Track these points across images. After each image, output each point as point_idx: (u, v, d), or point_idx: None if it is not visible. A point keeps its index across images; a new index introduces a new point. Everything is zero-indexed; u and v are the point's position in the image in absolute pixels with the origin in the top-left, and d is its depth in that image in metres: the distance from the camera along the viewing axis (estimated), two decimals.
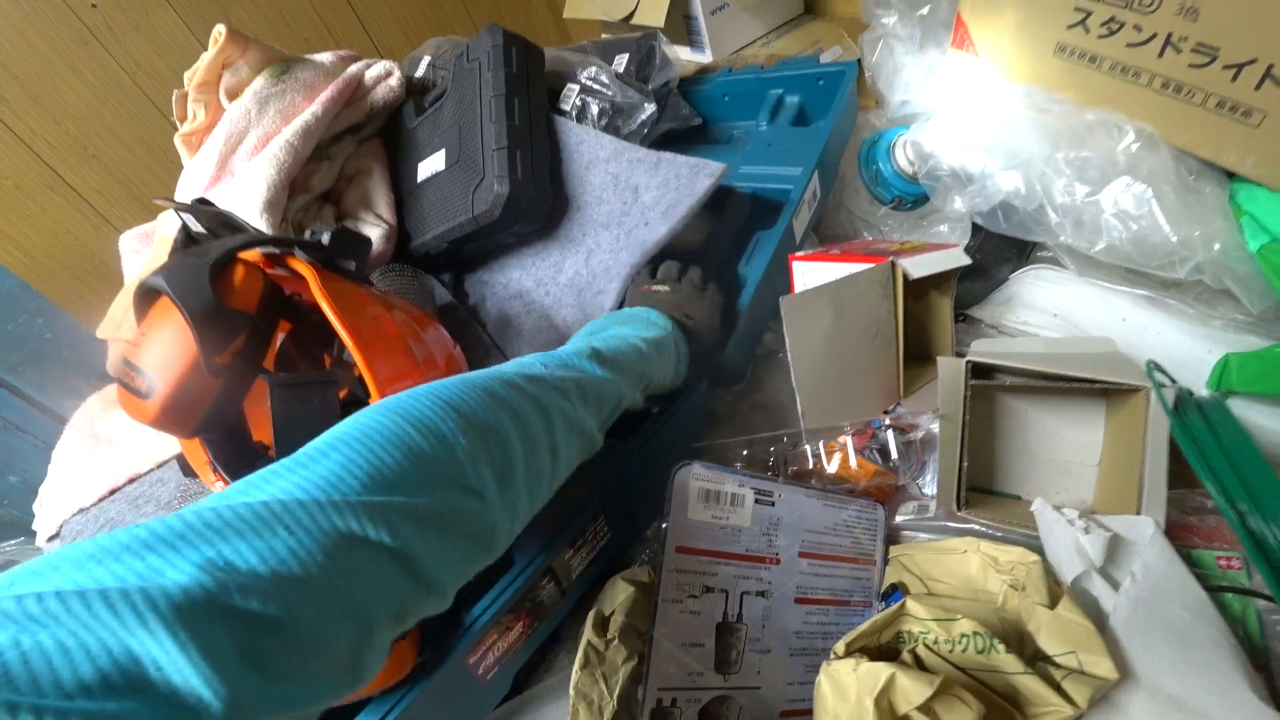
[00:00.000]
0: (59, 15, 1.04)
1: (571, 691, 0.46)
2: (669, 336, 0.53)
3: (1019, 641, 0.44)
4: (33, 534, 0.87)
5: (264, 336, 0.41)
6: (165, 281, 0.38)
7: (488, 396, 0.33)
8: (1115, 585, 0.45)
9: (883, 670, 0.34)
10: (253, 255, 0.43)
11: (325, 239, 0.43)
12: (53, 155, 1.08)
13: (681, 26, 0.92)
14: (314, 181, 0.76)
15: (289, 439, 0.37)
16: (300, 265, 0.41)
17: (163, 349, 0.39)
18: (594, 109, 0.71)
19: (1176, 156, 0.56)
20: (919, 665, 0.41)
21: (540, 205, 0.70)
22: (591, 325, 0.54)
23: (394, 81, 0.81)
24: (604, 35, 1.04)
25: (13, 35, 1.02)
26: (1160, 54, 0.54)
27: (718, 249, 0.68)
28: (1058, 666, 0.41)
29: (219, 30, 0.71)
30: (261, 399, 0.45)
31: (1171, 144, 0.56)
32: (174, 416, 0.39)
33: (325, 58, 0.79)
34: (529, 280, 0.73)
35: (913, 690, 0.33)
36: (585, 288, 0.68)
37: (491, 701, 0.51)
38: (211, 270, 0.38)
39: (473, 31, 0.79)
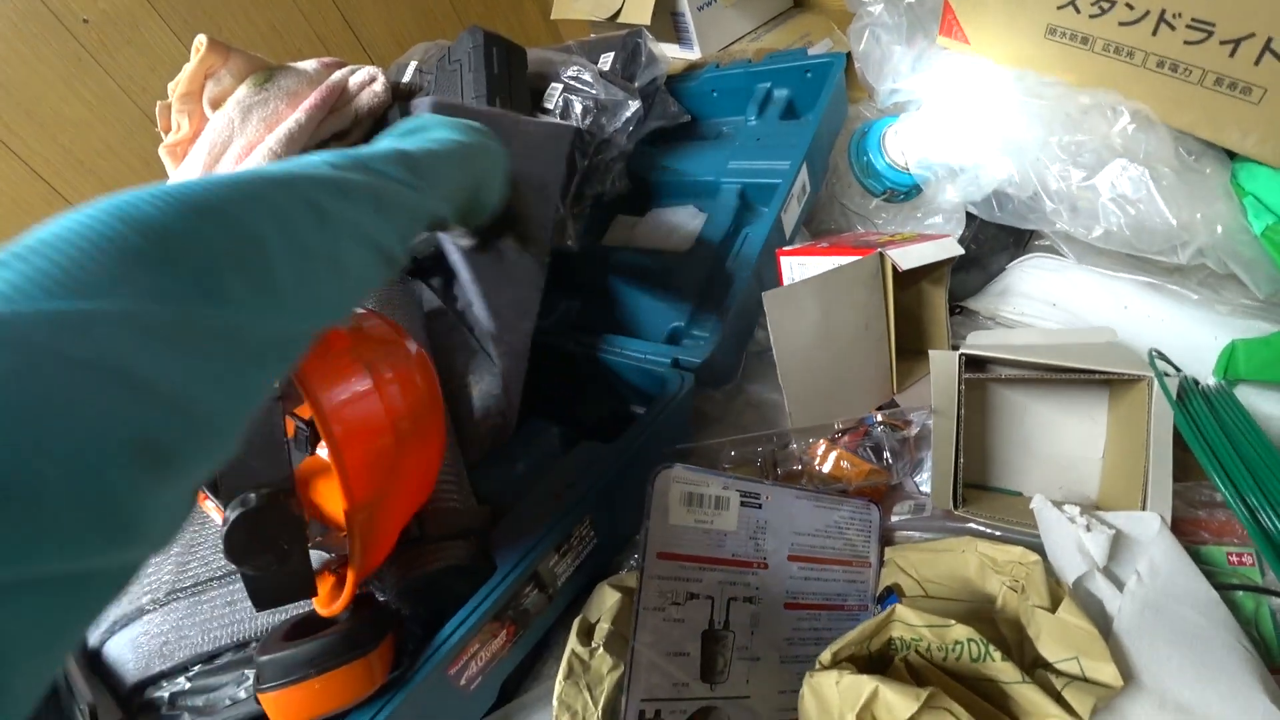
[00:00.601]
0: (52, 32, 1.05)
1: (555, 702, 0.44)
2: (500, 149, 0.49)
3: (1018, 646, 0.42)
4: None
5: None
6: None
7: (241, 195, 0.28)
8: (1120, 585, 0.42)
9: (866, 684, 0.32)
10: None
11: None
12: (49, 171, 1.09)
13: (669, 23, 0.91)
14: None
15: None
16: None
17: None
18: (577, 107, 0.70)
19: (1175, 137, 0.54)
20: (911, 673, 0.39)
21: None
22: (411, 122, 0.48)
23: (378, 87, 0.80)
24: (593, 35, 1.03)
25: (7, 52, 1.02)
26: (1154, 32, 0.52)
27: None
28: (1058, 674, 0.39)
29: (200, 40, 0.71)
30: None
31: (1169, 124, 0.54)
32: None
33: (309, 65, 0.78)
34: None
35: (898, 705, 0.31)
36: None
37: (477, 712, 0.50)
38: None
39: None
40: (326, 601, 0.43)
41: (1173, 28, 0.51)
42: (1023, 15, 0.59)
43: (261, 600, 0.37)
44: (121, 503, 0.21)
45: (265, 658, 0.40)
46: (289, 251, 0.29)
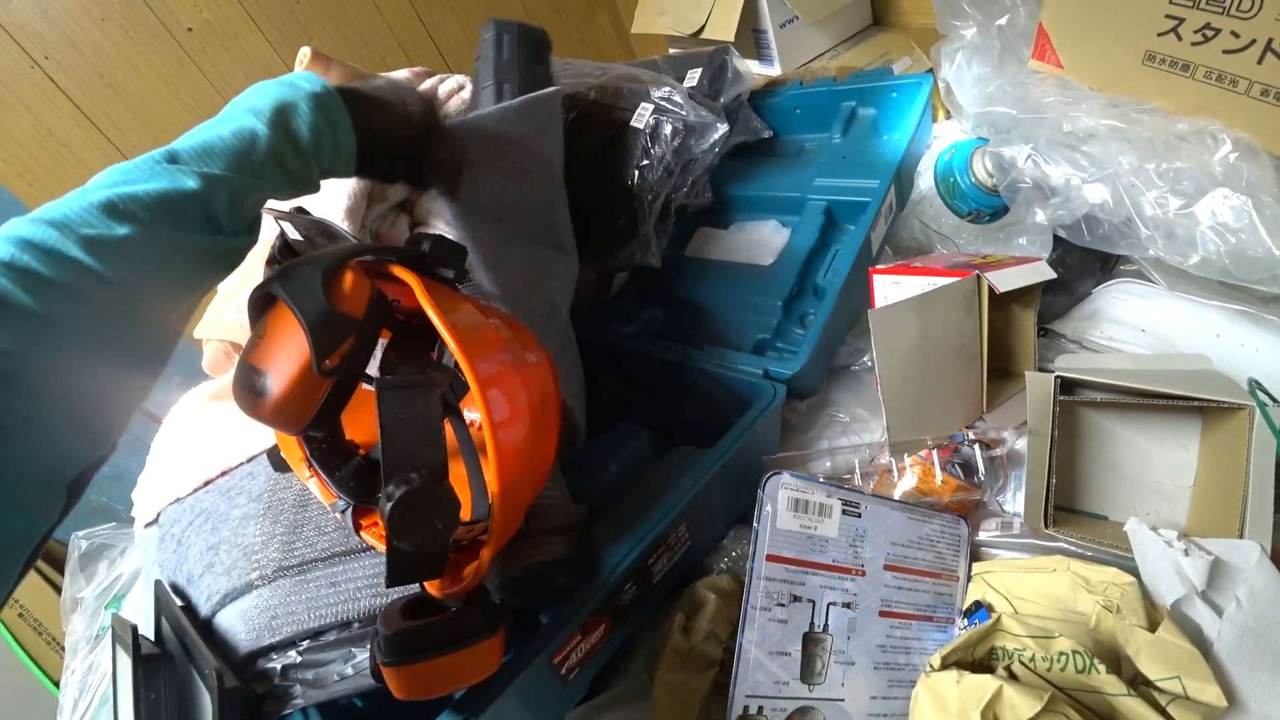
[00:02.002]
0: (159, 39, 1.11)
1: (657, 694, 0.46)
2: (307, 103, 0.43)
3: (1115, 664, 0.43)
4: (121, 519, 0.93)
5: (370, 340, 0.43)
6: (281, 286, 0.40)
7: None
8: (1218, 611, 0.43)
9: (990, 683, 0.34)
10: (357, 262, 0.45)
11: (425, 247, 0.45)
12: None
13: (750, 40, 0.93)
14: (391, 192, 0.79)
15: (396, 439, 0.38)
16: (403, 272, 0.43)
17: (278, 351, 0.41)
18: (667, 128, 0.73)
19: (1277, 166, 0.54)
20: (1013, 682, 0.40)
21: None
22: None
23: (466, 94, 0.84)
24: (671, 50, 1.06)
25: (117, 56, 1.09)
26: (1260, 60, 0.52)
27: None
28: (1160, 691, 0.40)
29: (304, 52, 0.75)
30: (354, 403, 0.47)
31: (1272, 153, 0.54)
32: (286, 414, 0.41)
33: (401, 74, 0.82)
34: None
35: (1021, 704, 0.32)
36: None
37: (570, 702, 0.52)
38: (324, 276, 0.40)
39: None
40: (444, 584, 0.46)
41: (1279, 56, 0.51)
42: (1121, 41, 0.60)
43: (399, 576, 0.40)
44: None
45: (392, 633, 0.42)
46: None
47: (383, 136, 0.48)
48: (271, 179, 0.41)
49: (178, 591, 0.63)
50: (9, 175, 1.07)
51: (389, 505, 0.36)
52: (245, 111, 0.41)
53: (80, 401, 0.33)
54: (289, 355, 0.40)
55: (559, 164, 0.65)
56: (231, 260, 0.41)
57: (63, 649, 1.21)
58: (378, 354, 0.49)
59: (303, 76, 0.45)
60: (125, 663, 0.57)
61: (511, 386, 0.41)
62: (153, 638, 0.63)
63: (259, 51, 1.18)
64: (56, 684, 1.20)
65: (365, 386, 0.47)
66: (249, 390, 0.41)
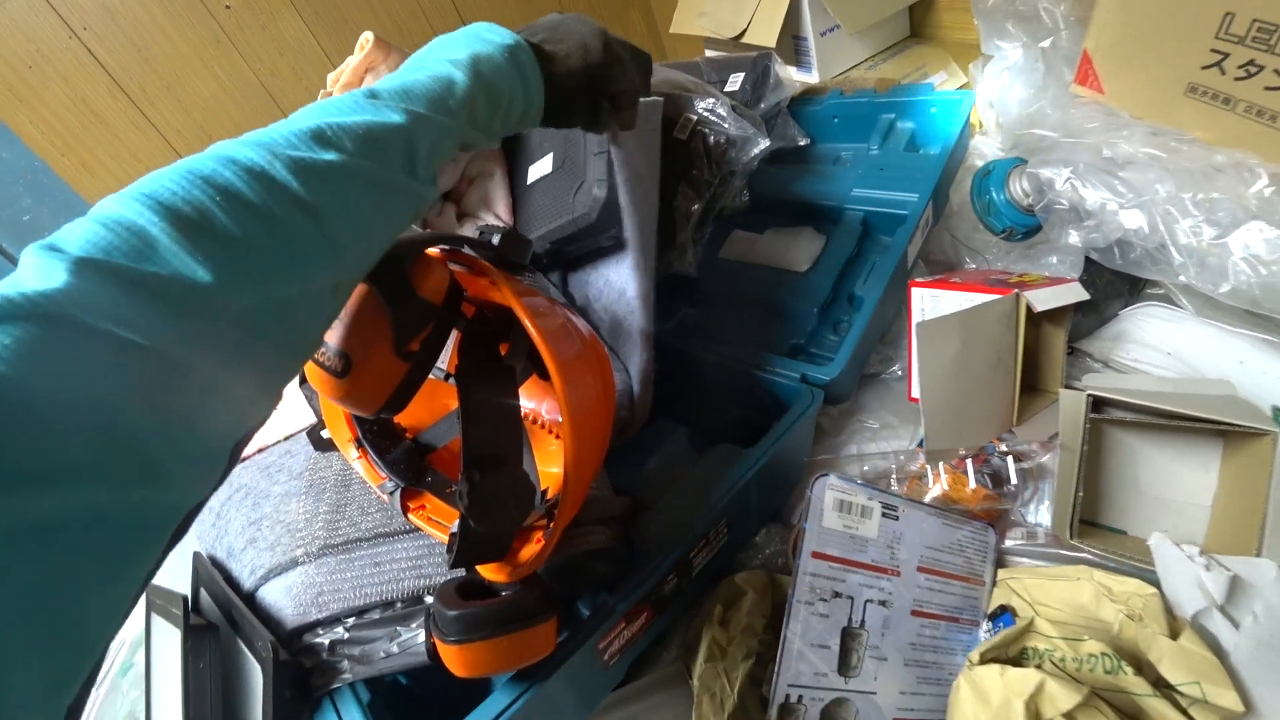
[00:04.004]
0: (197, 15, 1.12)
1: (696, 683, 0.48)
2: (501, 54, 0.42)
3: (1137, 669, 0.46)
4: None
5: (447, 327, 0.45)
6: None
7: (191, 176, 0.29)
8: (1235, 624, 0.45)
9: (1033, 676, 0.36)
10: (433, 251, 0.47)
11: (495, 240, 0.47)
12: (181, 143, 1.16)
13: (789, 46, 0.95)
14: (441, 181, 0.80)
15: (478, 426, 0.40)
16: (483, 262, 0.44)
17: (359, 332, 0.42)
18: (709, 140, 0.74)
19: None
20: None
21: None
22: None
23: None
24: (708, 52, 1.07)
25: (156, 32, 1.09)
26: None
27: None
28: (1181, 695, 0.42)
29: (366, 37, 0.76)
30: None
31: None
32: (364, 395, 0.43)
33: None
34: (625, 278, 0.76)
35: (1062, 697, 0.35)
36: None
37: (609, 686, 0.54)
38: (407, 261, 0.42)
39: None
40: (503, 568, 0.47)
41: None
42: (1165, 72, 0.61)
43: (467, 556, 0.42)
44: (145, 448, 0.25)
45: (454, 613, 0.44)
46: (244, 213, 0.29)
47: (568, 80, 0.46)
48: (464, 126, 0.40)
49: (217, 564, 0.65)
50: (43, 144, 1.08)
51: (470, 489, 0.37)
52: (441, 60, 0.40)
53: (259, 352, 0.29)
54: (371, 338, 0.42)
55: (658, 171, 0.68)
56: (417, 210, 0.39)
57: None
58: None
59: (490, 28, 0.44)
60: (169, 632, 0.59)
61: (583, 377, 0.43)
62: (191, 608, 0.64)
63: (295, 32, 1.19)
64: None
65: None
66: (328, 370, 0.43)
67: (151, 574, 0.27)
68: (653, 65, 0.77)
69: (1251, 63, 0.56)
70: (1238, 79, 0.57)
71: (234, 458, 0.30)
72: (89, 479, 0.23)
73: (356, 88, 0.79)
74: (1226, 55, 0.57)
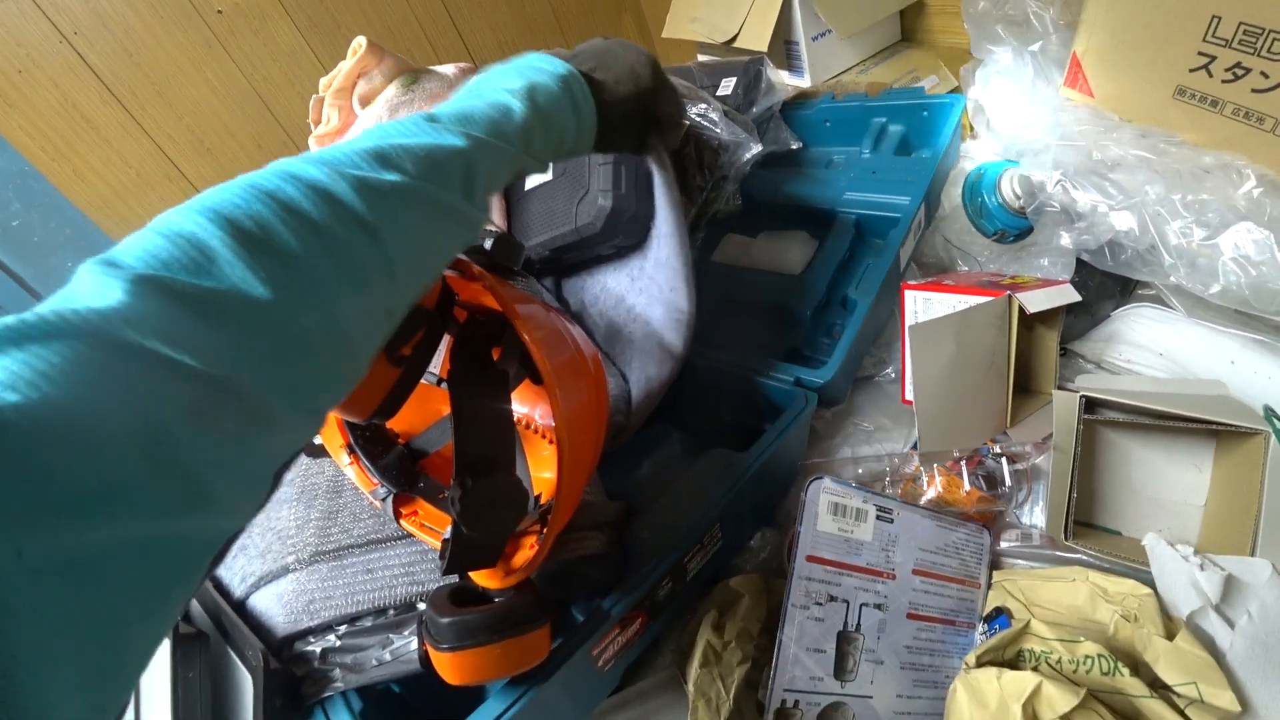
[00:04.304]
0: (188, 19, 1.11)
1: (691, 688, 0.48)
2: (556, 85, 0.43)
3: (1133, 669, 0.46)
4: None
5: (439, 332, 0.44)
6: None
7: (254, 191, 0.29)
8: (1230, 624, 0.45)
9: (1030, 679, 0.36)
10: None
11: (487, 244, 0.47)
12: (173, 148, 1.16)
13: (782, 51, 0.95)
14: None
15: (470, 431, 0.40)
16: (475, 268, 0.44)
17: None
18: (702, 145, 0.74)
19: None
20: None
21: (640, 220, 0.73)
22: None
23: None
24: (700, 56, 1.08)
25: (147, 37, 1.09)
26: None
27: None
28: (1178, 695, 0.42)
29: (359, 41, 0.76)
30: None
31: None
32: (355, 400, 0.43)
33: (448, 69, 0.83)
34: (624, 285, 0.76)
35: (1059, 699, 0.35)
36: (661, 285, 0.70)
37: (604, 692, 0.54)
38: None
39: (564, 46, 0.83)
40: (496, 574, 0.47)
41: None
42: (1153, 75, 0.62)
43: (460, 563, 0.42)
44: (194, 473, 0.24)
45: (446, 620, 0.43)
46: (299, 228, 0.29)
47: (620, 108, 0.47)
48: (520, 153, 0.40)
49: None
50: (33, 149, 1.07)
51: (462, 494, 0.37)
52: (498, 89, 0.41)
53: (311, 373, 0.29)
54: None
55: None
56: (471, 235, 0.38)
57: None
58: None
59: (543, 58, 0.45)
60: None
61: (575, 382, 0.42)
62: (181, 616, 0.64)
63: (287, 37, 1.19)
64: None
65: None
66: None
67: (188, 601, 0.26)
68: None
69: (1238, 65, 0.56)
70: (1225, 81, 0.58)
71: (277, 481, 0.30)
72: (138, 504, 0.22)
73: (349, 92, 0.79)
74: (1214, 58, 0.58)
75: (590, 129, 0.46)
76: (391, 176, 0.32)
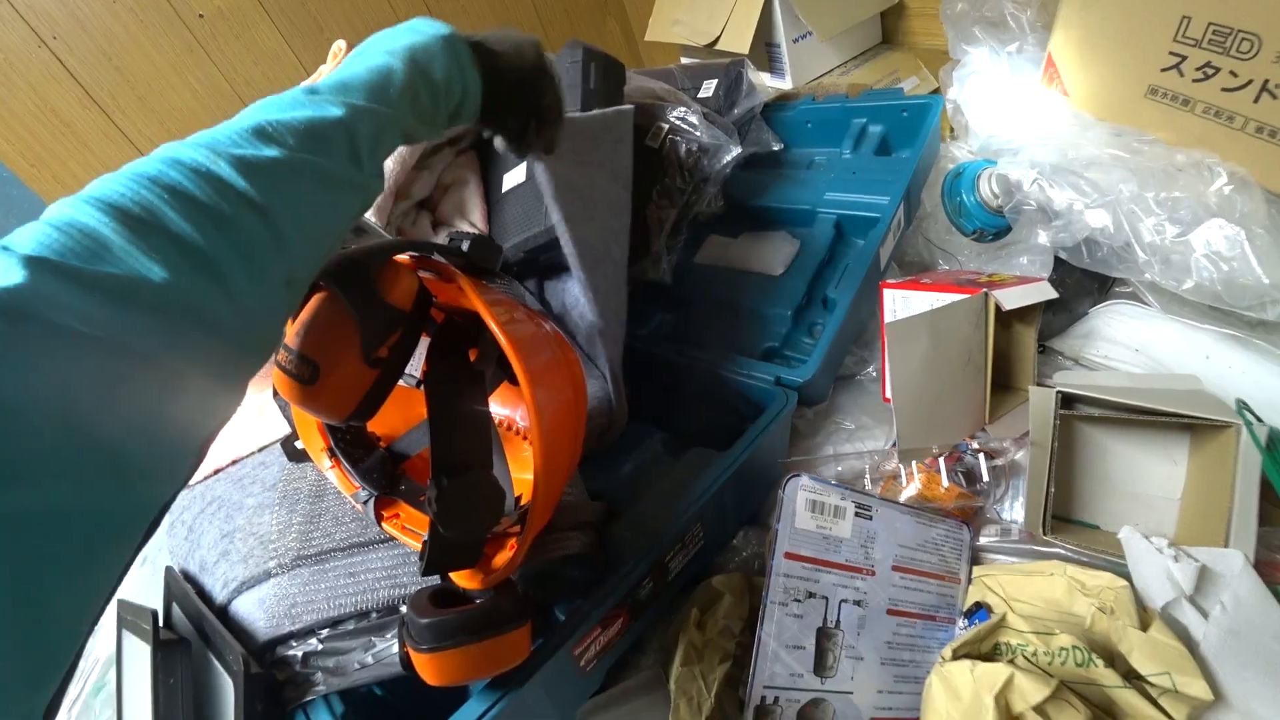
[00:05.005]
0: (170, 23, 1.11)
1: (673, 686, 0.48)
2: (437, 44, 0.43)
3: (1109, 661, 0.46)
4: None
5: (415, 333, 0.44)
6: (331, 277, 0.42)
7: (139, 179, 0.29)
8: (1204, 614, 0.46)
9: (1002, 670, 0.36)
10: (401, 258, 0.46)
11: (465, 246, 0.47)
12: None
13: (763, 53, 0.96)
14: (415, 189, 0.80)
15: (446, 431, 0.40)
16: (451, 269, 0.44)
17: (326, 340, 0.42)
18: (681, 149, 0.75)
19: (1269, 199, 0.57)
20: None
21: None
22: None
23: None
24: (683, 59, 1.08)
25: (128, 41, 1.09)
26: (1256, 99, 0.56)
27: None
28: (1152, 686, 0.42)
29: (339, 45, 0.76)
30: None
31: (1265, 187, 0.57)
32: (332, 402, 0.42)
33: None
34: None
35: (1030, 690, 0.35)
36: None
37: (587, 692, 0.54)
38: (374, 268, 0.42)
39: (550, 51, 0.83)
40: (475, 575, 0.47)
41: (1275, 97, 0.55)
42: (1126, 74, 0.63)
43: (438, 564, 0.41)
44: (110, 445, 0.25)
45: (425, 620, 0.43)
46: (190, 212, 0.29)
47: (503, 76, 0.47)
48: (406, 116, 0.40)
49: (189, 578, 0.64)
50: (11, 155, 1.06)
51: (439, 495, 0.37)
52: (378, 51, 0.41)
53: (220, 349, 0.30)
54: (338, 345, 0.41)
55: (631, 174, 0.68)
56: (365, 203, 0.39)
57: None
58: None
59: (427, 21, 0.44)
60: (140, 648, 0.58)
61: (553, 382, 0.43)
62: (162, 623, 0.63)
63: (270, 41, 1.19)
64: None
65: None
66: (294, 377, 0.42)
67: (122, 574, 0.27)
68: (626, 74, 0.77)
69: (1208, 65, 0.57)
70: (1196, 80, 0.58)
71: (200, 455, 0.31)
72: (54, 475, 0.23)
73: None
74: (1184, 58, 0.58)
75: (475, 92, 0.46)
76: (272, 152, 0.32)
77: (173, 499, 0.29)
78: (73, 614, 0.25)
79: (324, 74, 0.77)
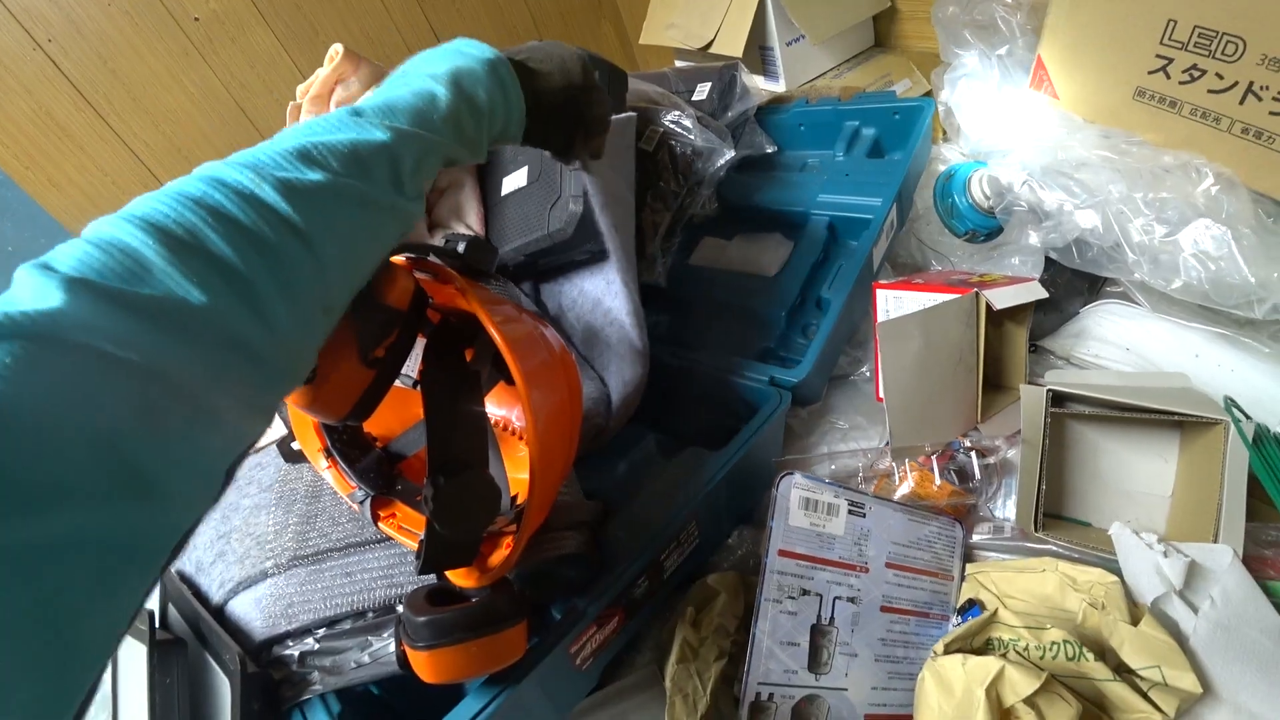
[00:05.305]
0: (165, 27, 1.11)
1: (668, 684, 0.49)
2: (481, 68, 0.43)
3: (1100, 655, 0.46)
4: None
5: (412, 334, 0.45)
6: None
7: (182, 199, 0.29)
8: (1194, 609, 0.46)
9: (993, 663, 0.37)
10: (398, 259, 0.47)
11: (460, 248, 0.47)
12: (150, 156, 1.15)
13: (757, 56, 0.97)
14: None
15: (442, 430, 0.40)
16: (447, 270, 0.45)
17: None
18: (675, 152, 0.75)
19: (1255, 200, 0.58)
20: None
21: None
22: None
23: None
24: (677, 62, 1.09)
25: (122, 43, 1.09)
26: (1241, 101, 0.56)
27: None
28: (1142, 679, 0.43)
29: (336, 49, 0.76)
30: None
31: (1251, 187, 0.58)
32: (329, 403, 0.43)
33: None
34: (599, 289, 0.76)
35: (1021, 683, 0.35)
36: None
37: (583, 691, 0.54)
38: None
39: None
40: (471, 574, 0.47)
41: (1259, 99, 0.55)
42: (1114, 76, 0.63)
43: (434, 563, 0.42)
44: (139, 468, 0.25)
45: (422, 618, 0.43)
46: (230, 233, 0.29)
47: (548, 98, 0.47)
48: (449, 140, 0.40)
49: (185, 579, 0.64)
50: (6, 158, 1.06)
51: (435, 493, 0.37)
52: (422, 75, 0.41)
53: (252, 374, 0.29)
54: (335, 345, 0.42)
55: (634, 179, 0.69)
56: (405, 227, 0.38)
57: None
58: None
59: (470, 43, 0.44)
60: (136, 649, 0.58)
61: (548, 382, 0.43)
62: (158, 624, 0.63)
63: (265, 45, 1.19)
64: None
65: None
66: None
67: (148, 594, 0.27)
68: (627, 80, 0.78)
69: (1194, 67, 0.58)
70: (1182, 83, 0.59)
71: (229, 477, 0.30)
72: (86, 498, 0.23)
73: (326, 99, 0.79)
74: (1171, 60, 0.59)
75: (519, 116, 0.46)
76: (316, 175, 0.32)
77: (199, 522, 0.29)
78: (97, 639, 0.24)
79: (320, 79, 0.78)
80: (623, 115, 0.70)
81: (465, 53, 0.43)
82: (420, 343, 0.53)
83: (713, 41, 0.94)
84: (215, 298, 0.27)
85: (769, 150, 0.84)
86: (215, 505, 0.30)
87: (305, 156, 0.32)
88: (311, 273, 0.32)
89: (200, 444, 0.28)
